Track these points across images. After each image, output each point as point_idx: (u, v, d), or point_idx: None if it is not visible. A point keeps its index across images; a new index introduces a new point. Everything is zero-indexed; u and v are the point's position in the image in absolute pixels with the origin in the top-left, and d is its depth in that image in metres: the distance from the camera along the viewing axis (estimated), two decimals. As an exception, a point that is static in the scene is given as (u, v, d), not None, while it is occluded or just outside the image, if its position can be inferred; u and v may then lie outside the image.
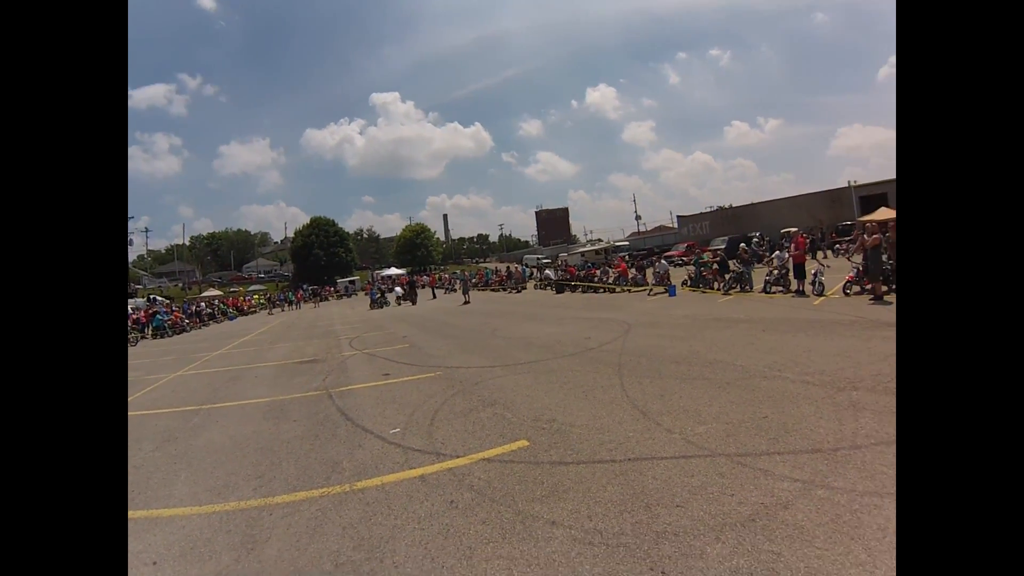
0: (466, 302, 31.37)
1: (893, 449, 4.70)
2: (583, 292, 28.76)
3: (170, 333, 33.08)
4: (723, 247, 35.38)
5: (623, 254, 49.35)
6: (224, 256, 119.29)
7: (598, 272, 30.60)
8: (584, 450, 5.60)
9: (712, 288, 20.90)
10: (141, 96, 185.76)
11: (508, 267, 50.66)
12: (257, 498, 5.32)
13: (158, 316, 34.69)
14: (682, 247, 49.02)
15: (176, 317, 36.75)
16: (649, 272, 27.05)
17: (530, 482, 4.97)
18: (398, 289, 43.58)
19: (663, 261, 28.19)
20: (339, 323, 27.52)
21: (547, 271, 40.40)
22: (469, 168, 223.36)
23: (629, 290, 25.46)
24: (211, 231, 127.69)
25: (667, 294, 21.88)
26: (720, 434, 5.58)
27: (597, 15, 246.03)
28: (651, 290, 23.91)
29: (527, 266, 55.72)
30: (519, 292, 36.74)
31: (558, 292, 31.01)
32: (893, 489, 4.01)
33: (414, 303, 37.65)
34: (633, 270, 28.59)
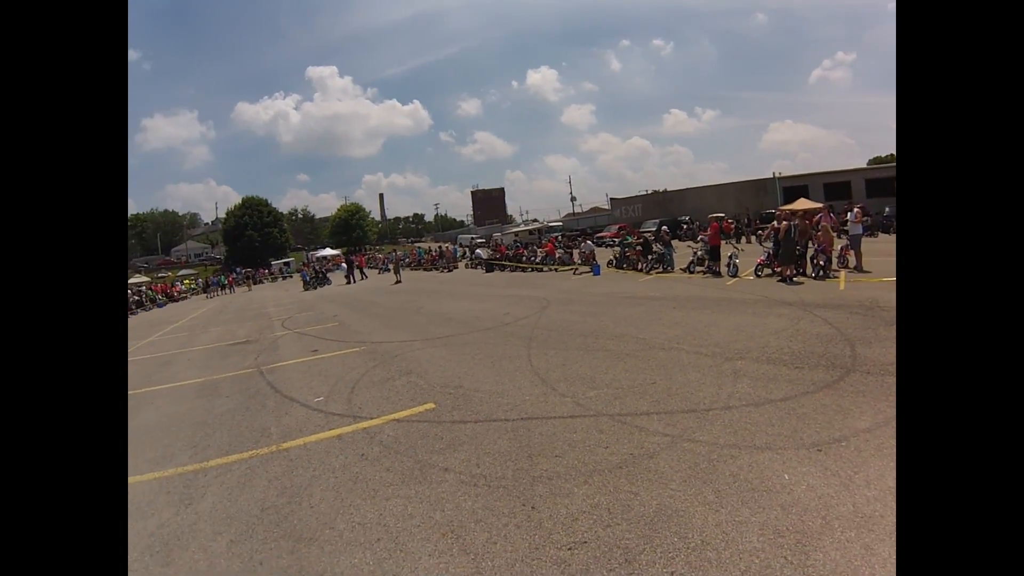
0: (397, 281, 31.55)
1: (760, 410, 5.34)
2: (511, 271, 29.09)
3: (93, 322, 31.74)
4: (653, 229, 36.05)
5: (556, 235, 49.92)
6: (150, 239, 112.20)
7: (526, 252, 31.05)
8: (483, 411, 6.17)
9: (636, 268, 21.58)
10: None
11: (440, 247, 50.66)
12: (193, 464, 5.78)
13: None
14: (614, 228, 49.89)
15: (98, 304, 35.27)
16: (576, 252, 27.61)
17: (431, 438, 5.55)
18: (344, 266, 43.77)
19: (589, 242, 28.91)
20: (272, 305, 27.29)
21: (478, 251, 40.57)
22: (406, 146, 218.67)
23: (556, 269, 25.95)
24: (135, 212, 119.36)
25: (591, 273, 22.45)
26: (608, 397, 6.14)
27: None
28: (576, 269, 24.43)
29: (460, 246, 55.77)
30: (450, 271, 36.72)
31: (488, 271, 31.15)
32: (751, 443, 4.59)
33: (353, 282, 37.40)
34: (561, 250, 29.09)
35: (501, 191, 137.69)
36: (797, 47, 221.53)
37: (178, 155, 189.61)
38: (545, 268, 26.98)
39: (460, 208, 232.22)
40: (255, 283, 56.58)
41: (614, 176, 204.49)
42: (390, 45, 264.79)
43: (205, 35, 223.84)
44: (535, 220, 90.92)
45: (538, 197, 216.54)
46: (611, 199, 70.72)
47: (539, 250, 30.17)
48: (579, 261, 25.52)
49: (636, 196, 69.11)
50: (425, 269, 41.95)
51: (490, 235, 68.65)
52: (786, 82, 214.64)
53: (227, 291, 49.99)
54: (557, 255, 27.82)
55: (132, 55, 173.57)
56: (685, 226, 43.66)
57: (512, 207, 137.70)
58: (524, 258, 29.79)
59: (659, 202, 59.15)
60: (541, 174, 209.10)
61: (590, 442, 4.92)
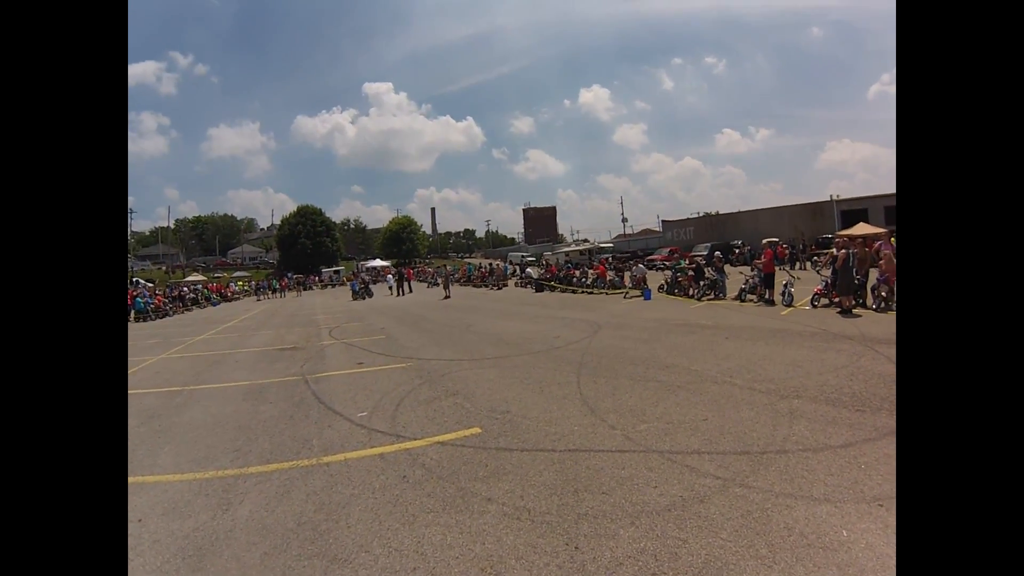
0: (447, 296, 31.72)
1: (818, 456, 5.10)
2: (561, 292, 28.95)
3: (153, 317, 32.74)
4: (705, 253, 35.58)
5: (606, 256, 49.62)
6: (209, 241, 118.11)
7: (577, 273, 30.82)
8: (530, 440, 6.03)
9: (687, 295, 21.22)
10: (130, 73, 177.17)
11: (490, 263, 50.67)
12: (234, 468, 5.82)
13: (139, 299, 34.37)
14: (664, 251, 49.37)
15: (159, 301, 36.60)
16: (627, 275, 27.28)
17: (475, 464, 5.44)
18: (390, 277, 44.58)
19: (641, 265, 28.55)
20: (321, 313, 27.84)
21: (528, 269, 40.52)
22: (459, 163, 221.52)
23: (607, 292, 25.73)
24: (196, 215, 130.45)
25: (642, 297, 22.16)
26: (658, 432, 5.97)
27: (592, 16, 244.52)
28: (627, 293, 24.10)
29: (511, 263, 55.85)
30: (499, 289, 36.00)
31: (538, 291, 31.03)
32: (809, 493, 4.38)
33: (402, 294, 37.93)
34: (612, 272, 28.82)
35: (553, 210, 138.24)
36: (854, 61, 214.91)
37: (240, 163, 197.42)
38: (595, 291, 26.76)
39: (511, 226, 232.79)
40: (305, 289, 57.70)
41: (666, 196, 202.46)
42: (445, 64, 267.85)
43: (269, 53, 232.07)
44: (585, 240, 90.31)
45: (590, 216, 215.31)
46: (663, 221, 70.51)
47: (590, 272, 29.92)
48: (630, 284, 25.19)
49: (688, 219, 68.73)
50: (475, 285, 41.88)
51: (541, 254, 68.71)
52: (843, 98, 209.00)
53: (278, 295, 51.14)
54: (608, 278, 27.55)
55: (200, 70, 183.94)
56: (737, 250, 42.97)
57: (563, 226, 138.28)
58: (575, 279, 29.56)
59: (711, 225, 58.54)
60: (593, 193, 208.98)
61: (638, 480, 4.76)
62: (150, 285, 53.28)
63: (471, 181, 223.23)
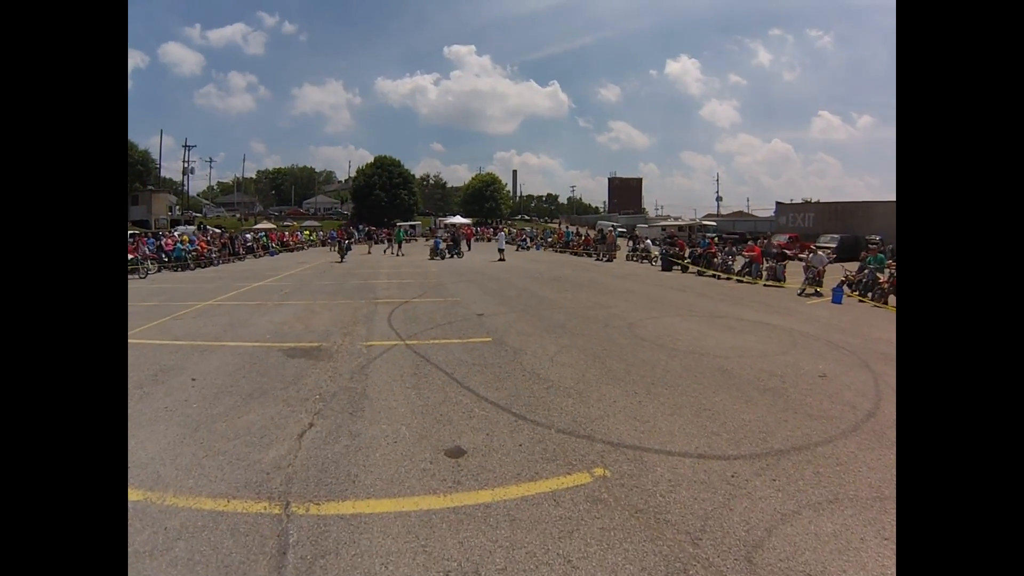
0: (500, 259, 28.98)
1: None
2: (698, 275, 22.29)
3: (192, 266, 27.44)
4: (835, 245, 29.98)
5: (712, 235, 41.55)
6: (287, 191, 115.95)
7: (719, 253, 23.40)
8: None
9: (885, 301, 14.22)
10: (219, 36, 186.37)
11: (601, 230, 43.93)
12: None
13: (179, 246, 29.00)
14: (783, 238, 40.94)
15: (202, 247, 31.04)
16: (779, 266, 19.92)
17: None
18: (439, 240, 35.37)
19: (820, 253, 20.14)
20: (384, 275, 21.24)
21: (648, 240, 33.26)
22: (543, 127, 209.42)
23: (764, 283, 18.96)
24: (277, 167, 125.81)
25: (829, 299, 15.23)
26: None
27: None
28: (803, 290, 16.84)
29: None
30: (609, 261, 30.34)
31: (665, 269, 24.51)
32: None
33: (460, 257, 33.05)
34: (770, 260, 21.45)
35: (638, 181, 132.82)
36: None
37: (323, 119, 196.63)
38: (746, 279, 19.90)
39: (591, 194, 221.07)
40: (376, 243, 47.01)
41: (750, 180, 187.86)
42: (530, 29, 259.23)
43: (355, 14, 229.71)
44: (668, 216, 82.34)
45: (670, 192, 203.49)
46: (777, 203, 61.81)
47: (739, 255, 22.54)
48: (807, 278, 17.36)
49: (807, 203, 60.26)
50: (574, 253, 35.49)
51: (634, 225, 63.72)
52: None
53: (334, 247, 44.14)
54: (765, 266, 20.30)
55: (288, 28, 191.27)
56: (873, 247, 34.09)
57: (645, 200, 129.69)
58: (717, 261, 22.16)
59: (836, 213, 49.37)
60: (675, 169, 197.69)
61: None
62: (217, 231, 48.83)
63: (552, 147, 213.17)
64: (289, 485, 4.04)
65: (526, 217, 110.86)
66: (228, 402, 5.93)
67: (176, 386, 6.56)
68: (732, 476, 4.10)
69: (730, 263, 22.06)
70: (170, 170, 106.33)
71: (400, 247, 38.31)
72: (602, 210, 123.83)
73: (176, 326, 10.60)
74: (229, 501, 3.83)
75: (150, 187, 68.01)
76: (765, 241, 33.24)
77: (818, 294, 16.08)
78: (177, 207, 72.14)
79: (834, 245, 29.90)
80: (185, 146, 76.21)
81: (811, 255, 19.27)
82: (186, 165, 77.24)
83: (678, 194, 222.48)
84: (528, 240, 47.43)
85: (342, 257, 30.55)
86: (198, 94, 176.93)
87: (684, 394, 6.07)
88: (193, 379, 6.85)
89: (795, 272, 19.28)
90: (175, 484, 4.11)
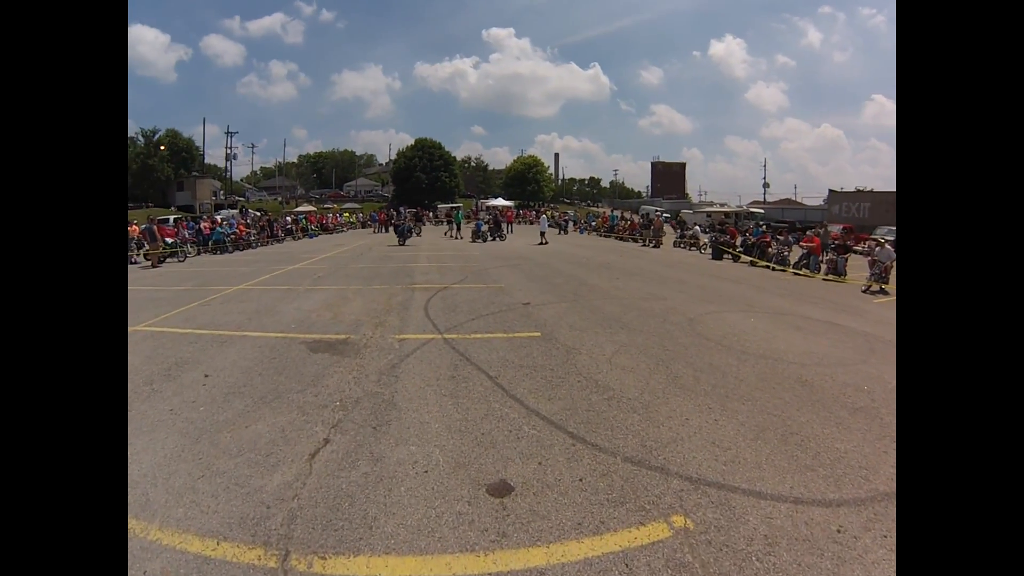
0: (543, 242, 28.56)
1: None
2: (751, 266, 21.09)
3: (230, 249, 27.46)
4: (893, 238, 26.95)
5: (762, 223, 39.59)
6: (327, 174, 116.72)
7: (773, 244, 22.12)
8: None
9: None
10: (258, 26, 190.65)
11: (647, 215, 42.72)
12: None
13: (218, 229, 28.95)
14: (836, 229, 38.78)
15: (241, 231, 30.92)
16: (841, 259, 18.47)
17: None
18: (481, 223, 34.62)
19: (888, 247, 18.47)
20: (424, 258, 20.61)
21: (696, 227, 32.08)
22: (584, 111, 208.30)
23: (822, 278, 17.85)
24: (318, 151, 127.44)
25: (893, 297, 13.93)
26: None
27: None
28: (868, 286, 15.68)
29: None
30: (656, 247, 29.40)
31: (715, 258, 23.37)
32: None
33: (502, 239, 32.42)
34: (830, 252, 19.67)
35: (682, 166, 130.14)
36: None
37: (364, 103, 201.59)
38: (802, 272, 18.72)
39: (632, 178, 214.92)
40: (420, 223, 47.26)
41: (797, 168, 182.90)
42: (569, 13, 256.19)
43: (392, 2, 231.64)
44: (712, 202, 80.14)
45: (713, 179, 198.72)
46: (829, 191, 59.36)
47: (796, 244, 21.27)
48: (872, 273, 16.16)
49: (862, 192, 57.11)
50: (619, 238, 34.48)
51: (677, 210, 61.68)
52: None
53: (383, 230, 43.65)
54: (824, 259, 19.01)
55: (326, 16, 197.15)
56: None
57: (688, 186, 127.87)
58: (771, 252, 20.91)
59: (895, 205, 46.62)
60: (718, 155, 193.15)
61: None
62: (258, 214, 49.35)
63: (594, 130, 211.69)
64: (291, 526, 3.30)
65: (567, 201, 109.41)
66: (238, 406, 5.27)
67: (187, 383, 5.94)
68: (838, 531, 3.23)
69: (786, 254, 20.71)
70: (214, 157, 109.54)
71: (459, 229, 37.29)
72: (645, 195, 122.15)
73: (202, 313, 10.02)
74: (219, 543, 3.13)
75: (195, 173, 69.62)
76: (822, 231, 31.50)
77: (884, 292, 14.75)
78: (221, 192, 73.23)
79: (892, 238, 27.99)
80: (227, 133, 76.76)
81: (877, 249, 17.77)
82: (228, 151, 78.34)
83: (721, 180, 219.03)
84: (572, 224, 46.35)
85: (402, 241, 29.72)
86: (240, 83, 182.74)
87: (765, 412, 5.17)
88: (206, 375, 6.22)
89: (853, 267, 18.03)
90: (163, 513, 3.45)
